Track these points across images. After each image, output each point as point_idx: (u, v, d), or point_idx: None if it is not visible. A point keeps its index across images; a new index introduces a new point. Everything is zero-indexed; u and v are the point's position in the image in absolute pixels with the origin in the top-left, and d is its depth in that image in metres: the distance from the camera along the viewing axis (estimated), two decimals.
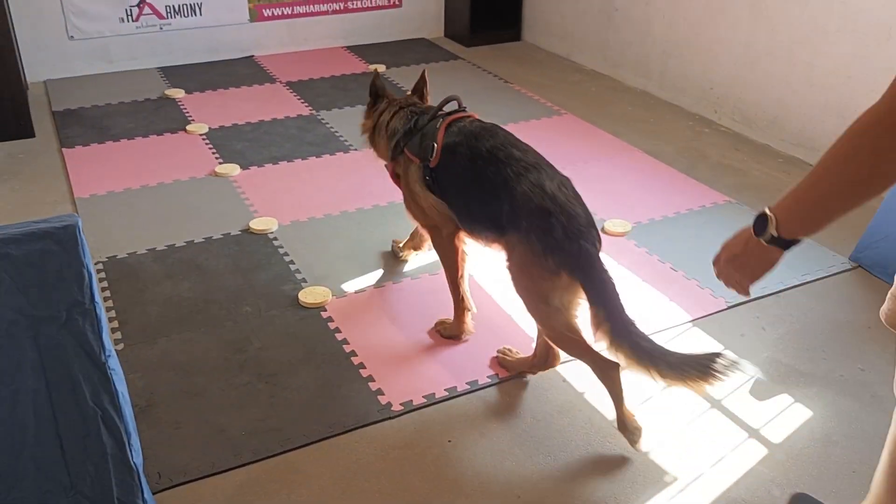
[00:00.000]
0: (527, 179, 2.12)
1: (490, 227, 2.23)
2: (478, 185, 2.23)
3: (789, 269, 2.96)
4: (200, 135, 4.14)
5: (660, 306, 2.78)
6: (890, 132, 1.04)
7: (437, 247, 2.55)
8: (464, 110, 2.48)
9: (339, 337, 2.61)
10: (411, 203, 2.53)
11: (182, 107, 4.50)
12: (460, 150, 2.30)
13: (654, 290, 2.87)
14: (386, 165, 2.66)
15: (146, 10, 4.95)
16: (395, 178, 2.61)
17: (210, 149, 3.99)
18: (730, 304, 2.77)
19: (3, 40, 3.87)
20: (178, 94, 4.66)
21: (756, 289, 1.53)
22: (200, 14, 5.12)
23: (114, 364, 1.57)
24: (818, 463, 2.12)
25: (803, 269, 2.97)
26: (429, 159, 2.36)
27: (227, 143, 4.06)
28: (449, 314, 2.63)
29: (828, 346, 2.58)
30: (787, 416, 2.28)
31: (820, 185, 1.14)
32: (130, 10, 4.91)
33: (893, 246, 2.85)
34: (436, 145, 2.35)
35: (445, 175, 2.35)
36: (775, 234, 1.20)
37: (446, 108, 2.48)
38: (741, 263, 1.29)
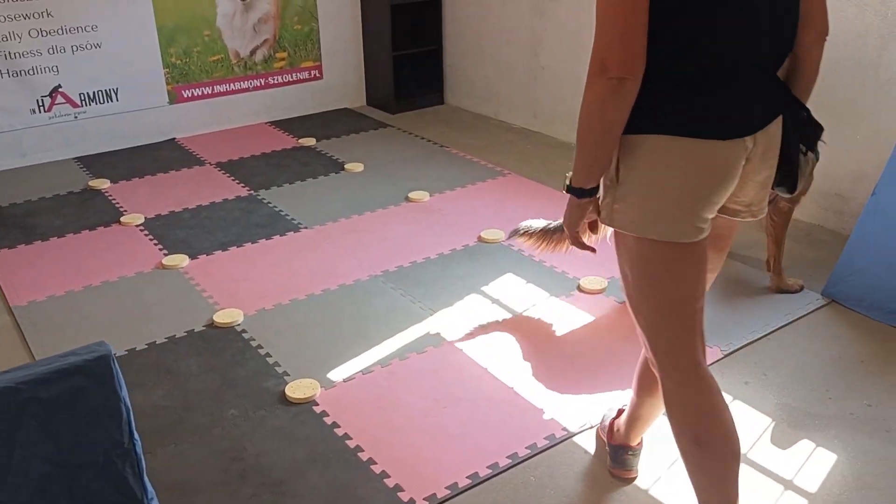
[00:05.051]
0: None
1: None
2: None
3: (773, 310, 3.01)
4: (137, 226, 3.90)
5: None
6: (600, 97, 1.48)
7: None
8: None
9: (338, 432, 2.44)
10: None
11: (110, 197, 4.24)
12: None
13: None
14: None
15: (59, 99, 4.68)
16: None
17: (151, 240, 3.75)
18: (725, 353, 2.77)
19: None
20: (103, 184, 4.39)
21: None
22: (117, 99, 4.88)
23: None
24: None
25: (785, 309, 3.02)
26: None
27: (169, 232, 3.83)
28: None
29: (830, 384, 2.61)
30: (814, 462, 2.27)
31: (578, 143, 1.57)
32: (42, 101, 4.63)
33: (863, 279, 2.95)
34: None
35: None
36: (568, 183, 1.63)
37: None
38: (565, 219, 1.69)
